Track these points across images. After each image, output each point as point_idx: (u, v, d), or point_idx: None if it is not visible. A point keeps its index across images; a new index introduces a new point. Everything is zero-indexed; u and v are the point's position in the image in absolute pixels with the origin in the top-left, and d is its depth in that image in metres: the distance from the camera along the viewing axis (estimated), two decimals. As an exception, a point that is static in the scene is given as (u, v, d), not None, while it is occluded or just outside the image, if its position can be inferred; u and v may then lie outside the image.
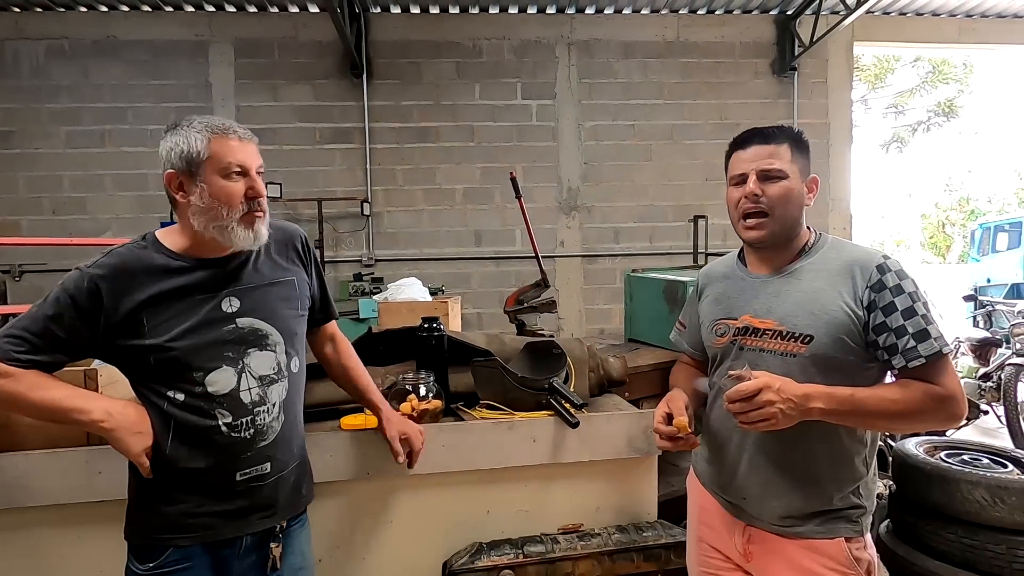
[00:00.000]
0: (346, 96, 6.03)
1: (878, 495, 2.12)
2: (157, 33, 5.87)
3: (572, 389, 1.86)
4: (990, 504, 2.05)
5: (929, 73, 15.83)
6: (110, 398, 1.24)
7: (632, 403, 2.03)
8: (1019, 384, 4.61)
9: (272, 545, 1.31)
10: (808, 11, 6.11)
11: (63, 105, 5.81)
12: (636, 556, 1.72)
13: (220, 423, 1.22)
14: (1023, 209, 19.97)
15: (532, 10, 6.21)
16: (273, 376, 1.29)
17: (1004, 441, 4.38)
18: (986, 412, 4.63)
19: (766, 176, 1.27)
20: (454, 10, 6.13)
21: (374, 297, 4.47)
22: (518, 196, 3.41)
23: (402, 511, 1.77)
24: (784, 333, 1.27)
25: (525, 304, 3.23)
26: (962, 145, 22.93)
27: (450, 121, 6.15)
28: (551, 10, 6.19)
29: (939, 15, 6.58)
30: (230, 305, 1.26)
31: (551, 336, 2.50)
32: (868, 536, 1.30)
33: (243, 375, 1.25)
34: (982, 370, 5.00)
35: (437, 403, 1.76)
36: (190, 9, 5.94)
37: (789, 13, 6.32)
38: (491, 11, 6.18)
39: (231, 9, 5.96)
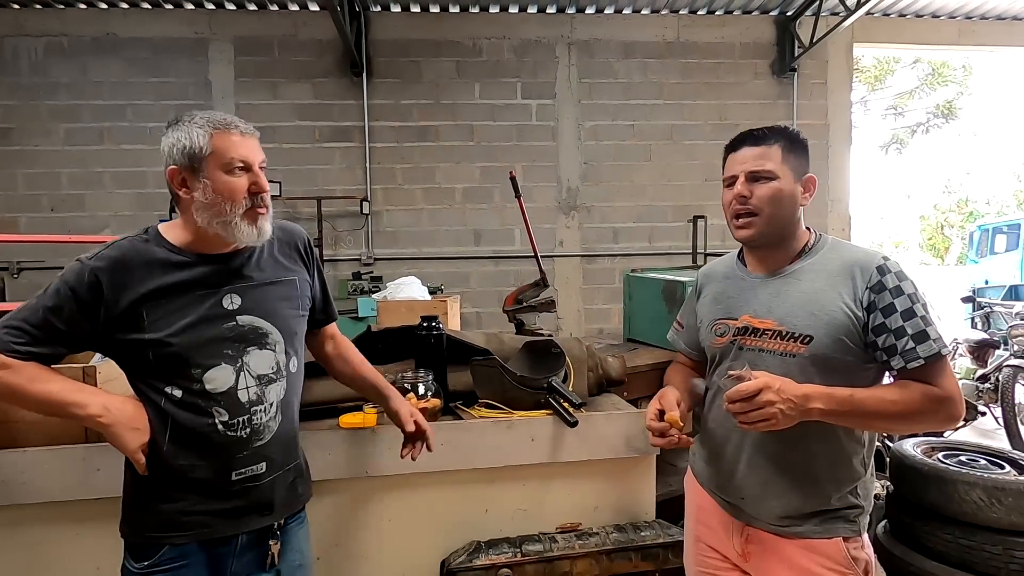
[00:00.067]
0: (346, 95, 6.03)
1: (876, 495, 2.13)
2: (157, 30, 5.86)
3: (571, 388, 1.86)
4: (987, 505, 2.05)
5: (928, 75, 15.85)
6: (108, 393, 1.23)
7: (631, 403, 2.03)
8: (1017, 386, 4.61)
9: (271, 542, 1.30)
10: (808, 12, 6.12)
11: (62, 102, 5.80)
12: (634, 555, 1.72)
13: (216, 421, 1.22)
14: (1022, 211, 20.00)
15: (532, 9, 6.21)
16: (272, 376, 1.28)
17: (1001, 442, 4.40)
18: (984, 413, 4.63)
19: (755, 177, 1.28)
20: (454, 9, 6.13)
21: (373, 296, 4.47)
22: (517, 196, 3.41)
23: (400, 510, 1.77)
24: (784, 333, 1.27)
25: (524, 303, 3.23)
26: (961, 147, 22.98)
27: (450, 120, 6.15)
28: (551, 10, 6.19)
29: (939, 17, 6.58)
30: (231, 302, 1.25)
31: (550, 335, 2.50)
32: (866, 536, 1.30)
33: (242, 374, 1.24)
34: (980, 371, 5.01)
35: (436, 402, 1.76)
36: (190, 7, 5.93)
37: (789, 14, 6.32)
38: (491, 10, 6.18)
39: (231, 7, 5.96)
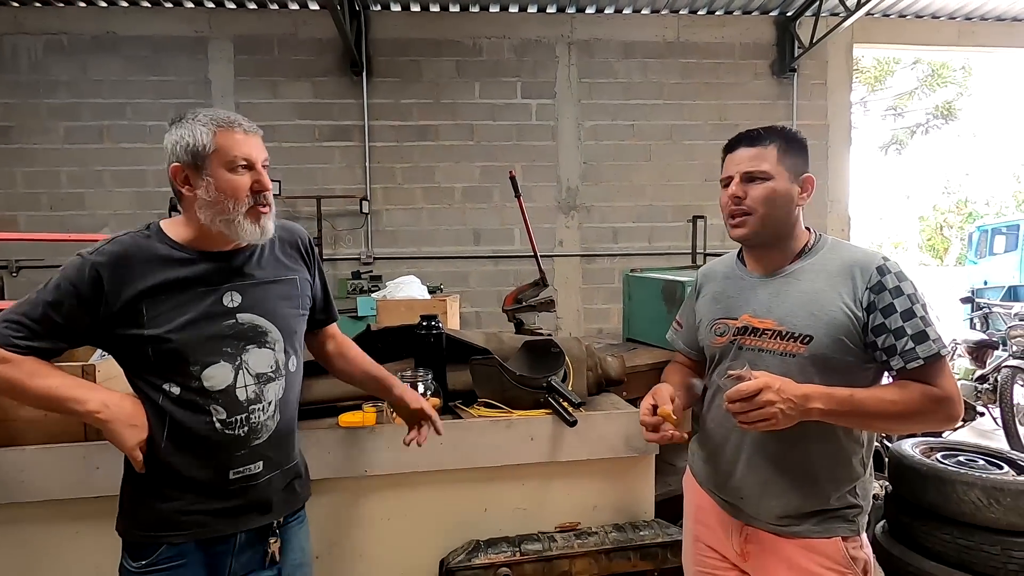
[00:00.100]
0: (346, 94, 6.02)
1: (874, 496, 2.13)
2: (156, 29, 5.85)
3: (570, 388, 1.86)
4: (985, 505, 2.05)
5: (928, 76, 15.86)
6: (108, 390, 1.23)
7: (630, 402, 2.03)
8: (1015, 386, 4.62)
9: (270, 540, 1.30)
10: (808, 12, 6.12)
11: (62, 100, 5.79)
12: (633, 555, 1.73)
13: (214, 419, 1.21)
14: (1021, 212, 20.03)
15: (532, 9, 6.20)
16: (270, 374, 1.28)
17: (1000, 443, 4.40)
18: (982, 414, 4.64)
19: (750, 178, 1.29)
20: (454, 8, 6.13)
21: (372, 295, 4.46)
22: (517, 195, 3.41)
23: (400, 509, 1.77)
24: (784, 333, 1.27)
25: (523, 303, 3.23)
26: (960, 148, 23.01)
27: (450, 120, 6.14)
28: (551, 9, 6.19)
29: (938, 18, 6.59)
30: (231, 300, 1.25)
31: (549, 335, 2.50)
32: (864, 536, 1.30)
33: (240, 372, 1.24)
34: (979, 372, 5.02)
35: (435, 401, 1.76)
36: (190, 5, 5.92)
37: (789, 14, 6.32)
38: (491, 10, 6.18)
39: (231, 5, 5.95)
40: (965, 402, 3.02)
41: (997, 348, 5.24)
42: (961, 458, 2.35)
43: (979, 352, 5.20)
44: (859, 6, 5.39)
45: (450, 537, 1.75)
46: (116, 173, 5.87)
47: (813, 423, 1.20)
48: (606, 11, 6.27)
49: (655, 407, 1.31)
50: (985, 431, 4.93)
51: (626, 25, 6.29)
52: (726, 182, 1.35)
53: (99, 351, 1.63)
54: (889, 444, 2.60)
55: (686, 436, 1.32)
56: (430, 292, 4.12)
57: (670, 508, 1.95)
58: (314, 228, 5.77)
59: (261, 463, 1.27)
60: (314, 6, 5.96)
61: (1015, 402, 4.59)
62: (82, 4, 5.81)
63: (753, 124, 1.38)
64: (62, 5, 5.79)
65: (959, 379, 4.91)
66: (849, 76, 6.66)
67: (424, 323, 1.85)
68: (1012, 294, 7.98)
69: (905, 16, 6.56)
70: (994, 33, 6.68)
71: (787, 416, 1.14)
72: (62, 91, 5.79)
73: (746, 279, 1.39)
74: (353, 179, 6.08)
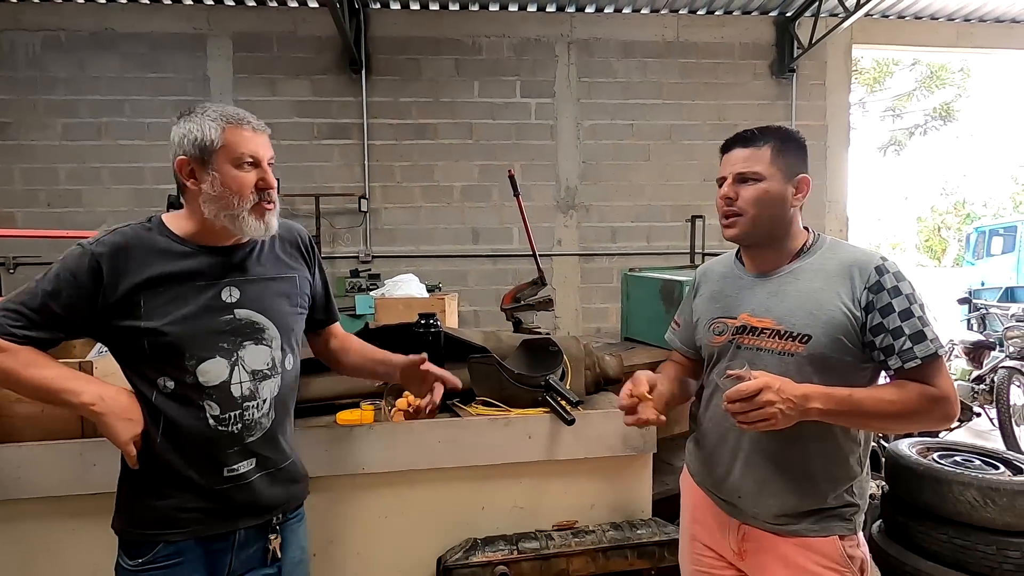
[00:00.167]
0: (345, 92, 6.02)
1: (871, 495, 2.13)
2: (155, 26, 5.84)
3: (568, 387, 1.86)
4: (981, 505, 2.06)
5: (927, 77, 15.89)
6: (103, 383, 1.22)
7: (628, 401, 2.03)
8: (1012, 387, 4.64)
9: (270, 536, 1.30)
10: (807, 13, 6.13)
11: (59, 97, 5.78)
12: (630, 553, 1.73)
13: (208, 415, 1.21)
14: (1018, 213, 20.07)
15: (532, 8, 6.20)
16: (266, 372, 1.27)
17: (996, 443, 4.42)
18: (979, 414, 4.65)
19: (743, 179, 1.30)
20: (454, 7, 6.13)
21: (371, 293, 4.47)
22: (516, 194, 3.41)
23: (397, 506, 1.77)
24: (782, 332, 1.27)
25: (522, 302, 3.23)
26: (958, 149, 23.06)
27: (449, 118, 6.14)
28: (551, 8, 6.19)
29: (937, 19, 6.60)
30: (230, 295, 1.25)
31: (547, 334, 2.50)
32: (861, 534, 1.31)
33: (236, 368, 1.23)
34: (975, 373, 5.04)
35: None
36: (188, 2, 5.91)
37: (788, 15, 6.33)
38: (491, 8, 6.17)
39: (230, 3, 5.94)
40: (961, 402, 3.02)
41: (994, 349, 5.26)
42: (957, 458, 2.36)
43: (976, 353, 5.22)
44: (858, 7, 5.40)
45: (448, 535, 1.75)
46: (114, 170, 5.86)
47: (811, 422, 1.20)
48: (606, 10, 6.28)
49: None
50: (981, 431, 4.94)
51: (625, 25, 6.30)
52: (720, 182, 1.35)
53: (98, 346, 1.63)
54: (886, 444, 2.61)
55: (663, 419, 1.30)
56: (428, 291, 4.12)
57: (667, 507, 1.95)
58: (313, 226, 5.77)
59: (255, 460, 1.27)
60: (313, 4, 5.95)
61: (1011, 403, 4.60)
62: (80, 0, 5.79)
63: (752, 124, 1.38)
64: (60, 1, 5.77)
65: (956, 380, 4.93)
66: (848, 77, 6.67)
67: (422, 321, 1.85)
68: (1009, 295, 8.00)
69: (904, 17, 6.57)
70: (993, 34, 6.70)
71: (787, 416, 1.14)
72: (60, 87, 5.78)
73: (744, 278, 1.39)
74: (352, 177, 6.08)
